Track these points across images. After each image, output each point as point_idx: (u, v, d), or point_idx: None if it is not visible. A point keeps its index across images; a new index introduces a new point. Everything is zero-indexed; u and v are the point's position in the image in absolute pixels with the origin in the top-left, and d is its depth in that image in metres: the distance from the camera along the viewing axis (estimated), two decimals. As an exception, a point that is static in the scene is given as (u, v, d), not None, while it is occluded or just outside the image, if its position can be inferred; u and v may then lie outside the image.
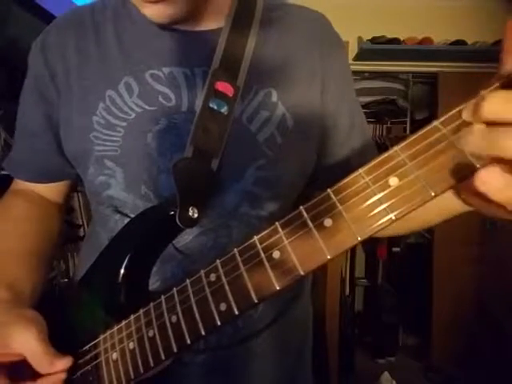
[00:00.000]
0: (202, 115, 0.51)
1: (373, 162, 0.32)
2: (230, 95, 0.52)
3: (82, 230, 1.89)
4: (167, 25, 0.53)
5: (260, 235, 0.37)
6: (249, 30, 0.56)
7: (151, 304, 0.44)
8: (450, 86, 2.37)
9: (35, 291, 0.54)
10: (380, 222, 0.31)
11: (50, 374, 0.44)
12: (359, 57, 2.49)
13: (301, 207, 0.35)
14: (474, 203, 0.37)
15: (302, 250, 0.34)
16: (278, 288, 0.35)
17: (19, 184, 0.66)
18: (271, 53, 0.56)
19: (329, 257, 0.33)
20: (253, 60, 0.55)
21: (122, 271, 0.49)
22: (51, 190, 0.67)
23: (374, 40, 2.40)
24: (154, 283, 0.53)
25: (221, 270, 0.39)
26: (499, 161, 0.26)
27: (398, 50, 2.40)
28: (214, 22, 0.56)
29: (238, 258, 0.38)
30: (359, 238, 0.32)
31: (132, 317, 0.45)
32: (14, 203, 0.64)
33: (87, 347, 0.48)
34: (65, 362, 0.45)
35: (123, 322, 0.46)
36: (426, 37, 2.41)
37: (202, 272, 0.40)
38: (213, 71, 0.53)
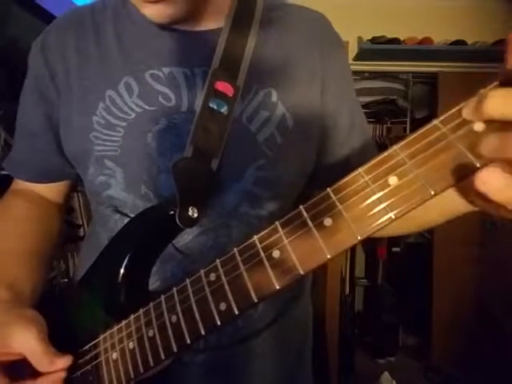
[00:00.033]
0: (202, 115, 0.51)
1: (372, 161, 0.32)
2: (230, 95, 0.53)
3: (82, 229, 1.89)
4: (167, 25, 0.53)
5: (260, 235, 0.37)
6: (249, 30, 0.56)
7: (151, 304, 0.44)
8: (449, 86, 2.37)
9: (35, 291, 0.54)
10: (380, 221, 0.31)
11: (50, 373, 0.44)
12: (359, 57, 2.49)
13: (300, 207, 0.35)
14: (479, 203, 0.37)
15: (302, 250, 0.34)
16: (277, 287, 0.35)
17: (19, 184, 0.66)
18: (271, 53, 0.56)
19: (329, 256, 0.33)
20: (253, 60, 0.55)
21: (122, 271, 0.49)
22: (51, 190, 0.67)
23: (374, 40, 2.40)
24: (153, 283, 0.53)
25: (220, 270, 0.39)
26: (501, 161, 0.26)
27: (398, 50, 2.40)
28: (213, 21, 0.56)
29: (238, 258, 0.38)
30: (359, 237, 0.32)
31: (132, 316, 0.45)
32: (14, 203, 0.64)
33: (87, 347, 0.48)
34: (65, 361, 0.45)
35: (123, 322, 0.46)
36: (426, 37, 2.41)
37: (202, 272, 0.40)
38: (213, 71, 0.53)
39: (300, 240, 0.34)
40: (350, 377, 2.27)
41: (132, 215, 0.54)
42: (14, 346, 0.44)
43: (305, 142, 0.57)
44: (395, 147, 0.31)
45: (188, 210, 0.49)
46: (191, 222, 0.49)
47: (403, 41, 2.42)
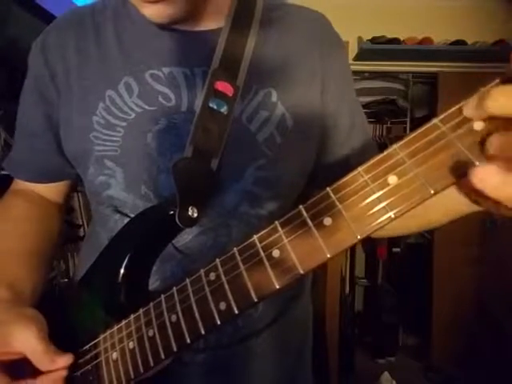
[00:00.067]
0: (202, 115, 0.51)
1: (372, 161, 0.32)
2: (230, 95, 0.53)
3: (82, 229, 1.89)
4: (167, 25, 0.53)
5: (259, 234, 0.37)
6: (249, 30, 0.56)
7: (151, 303, 0.44)
8: (449, 86, 2.37)
9: (35, 291, 0.54)
10: (379, 220, 0.31)
11: (50, 372, 0.44)
12: (359, 57, 2.49)
13: (300, 206, 0.35)
14: (482, 202, 0.37)
15: (302, 249, 0.34)
16: (277, 287, 0.35)
17: (19, 184, 0.66)
18: (271, 53, 0.56)
19: (328, 255, 0.33)
20: (252, 60, 0.55)
21: (122, 271, 0.49)
22: (51, 190, 0.67)
23: (374, 40, 2.40)
24: (153, 283, 0.53)
25: (220, 269, 0.39)
26: (499, 159, 0.26)
27: (398, 50, 2.40)
28: (213, 21, 0.56)
29: (238, 257, 0.38)
30: (359, 237, 0.32)
31: (132, 316, 0.45)
32: (14, 203, 0.64)
33: (87, 347, 0.48)
34: (65, 360, 0.45)
35: (123, 322, 0.46)
36: (426, 37, 2.41)
37: (202, 271, 0.40)
38: (212, 71, 0.53)
39: (300, 239, 0.34)
40: (350, 377, 2.27)
41: (132, 215, 0.54)
42: (15, 344, 0.44)
43: (304, 142, 0.57)
44: (395, 146, 0.31)
45: (188, 210, 0.49)
46: (191, 222, 0.49)
47: (403, 41, 2.42)
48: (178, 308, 0.41)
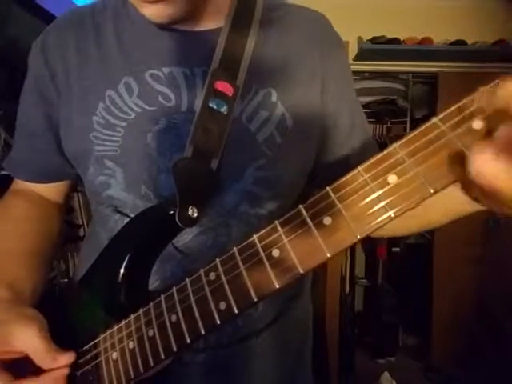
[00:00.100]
0: (202, 115, 0.51)
1: (371, 160, 0.32)
2: (230, 95, 0.53)
3: (82, 229, 1.89)
4: (166, 25, 0.53)
5: (259, 234, 0.37)
6: (248, 30, 0.56)
7: (151, 303, 0.44)
8: (449, 86, 2.37)
9: (35, 291, 0.54)
10: (379, 219, 0.31)
11: (52, 370, 0.44)
12: (359, 57, 2.49)
13: (300, 206, 0.35)
14: (482, 199, 0.37)
15: (302, 249, 0.34)
16: (277, 286, 0.35)
17: (19, 184, 0.66)
18: (271, 53, 0.56)
19: (328, 255, 0.33)
20: (252, 60, 0.55)
21: (122, 271, 0.49)
22: (51, 190, 0.67)
23: (374, 40, 2.40)
24: (153, 283, 0.53)
25: (220, 269, 0.39)
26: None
27: (398, 50, 2.40)
28: (213, 21, 0.56)
29: (238, 257, 0.38)
30: (359, 236, 0.32)
31: (132, 316, 0.45)
32: (13, 203, 0.64)
33: (87, 347, 0.48)
34: (67, 358, 0.45)
35: (123, 322, 0.46)
36: (426, 37, 2.41)
37: (202, 271, 0.40)
38: (212, 71, 0.53)
39: (299, 239, 0.34)
40: (350, 377, 2.27)
41: (132, 215, 0.54)
42: (16, 343, 0.44)
43: (304, 142, 0.57)
44: (395, 145, 0.31)
45: (188, 210, 0.49)
46: (191, 222, 0.49)
47: (403, 41, 2.42)
48: (178, 308, 0.41)
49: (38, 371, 0.44)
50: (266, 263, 0.35)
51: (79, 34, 0.57)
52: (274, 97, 0.55)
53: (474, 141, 0.28)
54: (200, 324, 0.39)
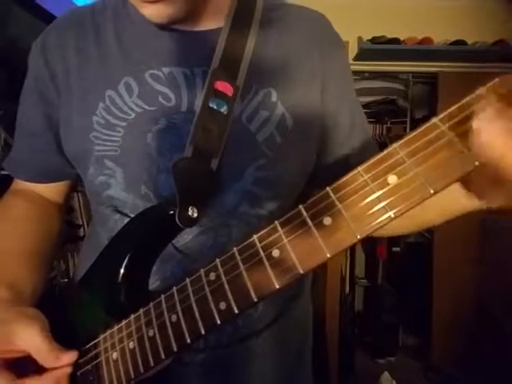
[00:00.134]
0: (202, 115, 0.51)
1: (371, 160, 0.32)
2: (230, 95, 0.52)
3: (81, 229, 1.89)
4: (166, 25, 0.53)
5: (259, 234, 0.37)
6: (248, 30, 0.56)
7: (151, 303, 0.44)
8: (449, 86, 2.37)
9: (36, 291, 0.54)
10: (379, 219, 0.31)
11: (54, 369, 0.44)
12: (359, 57, 2.49)
13: (300, 206, 0.35)
14: (479, 192, 0.37)
15: (302, 249, 0.34)
16: (277, 287, 0.35)
17: (19, 184, 0.66)
18: (271, 53, 0.56)
19: (328, 255, 0.33)
20: (252, 60, 0.55)
21: (122, 271, 0.49)
22: (51, 190, 0.67)
23: (374, 40, 2.40)
24: (153, 283, 0.53)
25: (220, 269, 0.39)
26: None
27: (398, 50, 2.40)
28: (213, 21, 0.56)
29: (238, 257, 0.38)
30: (358, 236, 0.32)
31: (132, 316, 0.45)
32: (14, 203, 0.64)
33: (87, 347, 0.48)
34: (70, 356, 0.45)
35: (123, 322, 0.46)
36: (426, 37, 2.41)
37: (202, 271, 0.41)
38: (212, 71, 0.53)
39: (299, 239, 0.34)
40: (350, 377, 2.27)
41: (132, 215, 0.54)
42: (18, 343, 0.44)
43: (304, 142, 0.57)
44: (395, 145, 0.31)
45: (188, 210, 0.49)
46: (191, 222, 0.49)
47: (403, 41, 2.42)
48: (178, 308, 0.41)
49: (39, 370, 0.44)
50: (266, 263, 0.35)
51: (79, 34, 0.57)
52: (274, 97, 0.55)
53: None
54: (200, 324, 0.39)
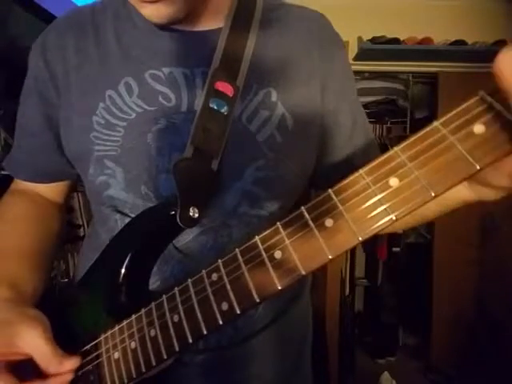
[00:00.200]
0: (202, 115, 0.51)
1: (373, 163, 0.32)
2: (230, 95, 0.52)
3: (81, 229, 1.89)
4: (166, 25, 0.52)
5: (261, 235, 0.37)
6: (248, 30, 0.56)
7: (153, 304, 0.44)
8: (449, 86, 2.37)
9: (36, 291, 0.54)
10: (381, 222, 0.32)
11: (57, 374, 0.44)
12: (359, 57, 2.49)
13: (302, 208, 0.35)
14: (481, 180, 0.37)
15: (304, 250, 0.34)
16: (279, 288, 0.35)
17: (19, 184, 0.66)
18: (271, 53, 0.56)
19: (330, 257, 0.33)
20: (252, 60, 0.55)
21: (123, 271, 0.49)
22: (51, 190, 0.67)
23: (373, 40, 2.40)
24: (153, 283, 0.53)
25: (222, 270, 0.39)
26: None
27: (398, 50, 2.39)
28: (213, 21, 0.56)
29: (240, 258, 0.38)
30: (360, 239, 0.32)
31: (133, 316, 0.45)
32: (14, 203, 0.64)
33: (88, 347, 0.48)
34: (73, 363, 0.45)
35: (124, 322, 0.46)
36: (426, 37, 2.41)
37: (204, 272, 0.41)
38: (213, 71, 0.53)
39: (301, 241, 0.34)
40: (350, 377, 2.27)
41: (132, 215, 0.54)
42: (21, 345, 0.44)
43: (305, 142, 0.57)
44: (396, 149, 0.32)
45: (189, 210, 0.49)
46: (192, 222, 0.49)
47: (403, 41, 2.42)
48: (180, 308, 0.41)
49: (40, 374, 0.44)
50: (268, 264, 0.36)
51: (79, 34, 0.57)
52: (274, 97, 0.55)
53: (475, 145, 0.28)
54: (202, 324, 0.39)
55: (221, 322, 0.38)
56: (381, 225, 0.32)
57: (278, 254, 0.35)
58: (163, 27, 0.54)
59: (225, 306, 0.38)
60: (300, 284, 0.67)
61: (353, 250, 2.69)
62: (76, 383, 0.47)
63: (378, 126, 2.74)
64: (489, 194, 0.39)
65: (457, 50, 2.36)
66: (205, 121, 0.51)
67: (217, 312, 0.38)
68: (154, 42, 0.55)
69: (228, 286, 0.38)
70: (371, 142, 0.63)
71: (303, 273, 0.34)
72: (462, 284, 2.36)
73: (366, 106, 2.53)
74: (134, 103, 0.53)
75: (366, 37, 2.42)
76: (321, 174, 0.61)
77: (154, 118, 0.53)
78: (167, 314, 0.42)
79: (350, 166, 0.53)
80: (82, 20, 0.59)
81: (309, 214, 0.34)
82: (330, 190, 0.34)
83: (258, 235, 0.37)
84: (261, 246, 0.36)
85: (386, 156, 0.32)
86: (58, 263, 1.71)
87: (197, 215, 0.49)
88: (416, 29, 2.42)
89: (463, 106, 0.29)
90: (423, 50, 2.39)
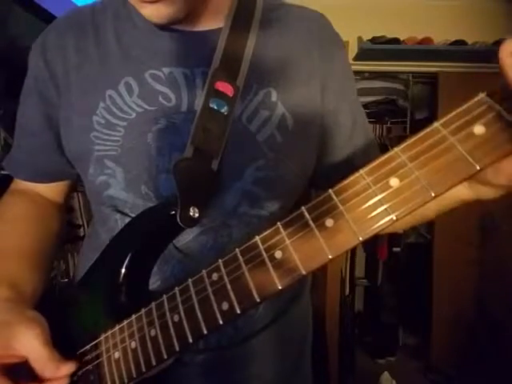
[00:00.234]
0: (203, 115, 0.51)
1: (374, 163, 0.32)
2: (230, 95, 0.52)
3: (81, 229, 1.89)
4: (166, 25, 0.52)
5: (262, 235, 0.37)
6: (248, 30, 0.56)
7: (153, 303, 0.44)
8: (449, 86, 2.37)
9: (36, 291, 0.54)
10: (381, 222, 0.32)
11: (52, 379, 0.44)
12: (359, 57, 2.49)
13: (302, 207, 0.35)
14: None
15: (304, 250, 0.34)
16: (280, 287, 0.35)
17: (19, 184, 0.66)
18: (271, 53, 0.56)
19: (330, 257, 0.33)
20: (252, 60, 0.55)
21: (123, 271, 0.49)
22: (51, 190, 0.67)
23: (373, 40, 2.39)
24: (153, 283, 0.53)
25: (223, 270, 0.39)
26: None
27: (398, 50, 2.39)
28: (213, 21, 0.56)
29: (240, 258, 0.38)
30: (361, 239, 0.32)
31: (134, 316, 0.45)
32: (13, 203, 0.64)
33: (88, 347, 0.48)
34: (69, 367, 0.44)
35: (124, 322, 0.46)
36: (426, 37, 2.41)
37: (204, 272, 0.41)
38: (213, 71, 0.53)
39: (302, 241, 0.34)
40: (350, 377, 2.27)
41: (132, 215, 0.54)
42: (18, 347, 0.44)
43: (305, 142, 0.57)
44: (396, 149, 0.32)
45: (189, 210, 0.49)
46: (192, 222, 0.49)
47: (403, 41, 2.42)
48: (181, 308, 0.41)
49: (35, 377, 0.44)
50: (269, 264, 0.36)
51: (79, 34, 0.57)
52: (274, 97, 0.55)
53: (475, 146, 0.28)
54: (202, 324, 0.39)
55: (221, 322, 0.38)
56: (381, 225, 0.32)
57: (278, 254, 0.35)
58: (163, 27, 0.54)
59: (225, 306, 0.38)
60: (300, 284, 0.67)
61: (353, 250, 2.68)
62: (76, 383, 0.47)
63: (377, 126, 2.74)
64: (488, 193, 0.39)
65: (457, 50, 2.36)
66: (205, 121, 0.51)
67: (217, 312, 0.38)
68: (154, 42, 0.55)
69: (228, 286, 0.38)
70: (371, 142, 0.63)
71: (303, 273, 0.34)
72: (462, 284, 2.36)
73: (366, 106, 2.53)
74: (134, 103, 0.53)
75: (366, 37, 2.42)
76: (321, 174, 0.61)
77: (154, 118, 0.53)
78: (167, 313, 0.42)
79: (350, 165, 0.54)
80: (82, 20, 0.59)
81: (309, 213, 0.35)
82: (330, 190, 0.34)
83: (258, 235, 0.37)
84: (261, 246, 0.37)
85: (386, 156, 0.32)
86: (58, 263, 1.71)
87: (197, 215, 0.49)
88: (416, 29, 2.42)
89: (463, 107, 0.29)
90: (423, 50, 2.39)
